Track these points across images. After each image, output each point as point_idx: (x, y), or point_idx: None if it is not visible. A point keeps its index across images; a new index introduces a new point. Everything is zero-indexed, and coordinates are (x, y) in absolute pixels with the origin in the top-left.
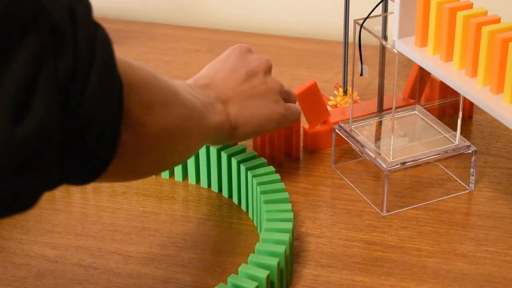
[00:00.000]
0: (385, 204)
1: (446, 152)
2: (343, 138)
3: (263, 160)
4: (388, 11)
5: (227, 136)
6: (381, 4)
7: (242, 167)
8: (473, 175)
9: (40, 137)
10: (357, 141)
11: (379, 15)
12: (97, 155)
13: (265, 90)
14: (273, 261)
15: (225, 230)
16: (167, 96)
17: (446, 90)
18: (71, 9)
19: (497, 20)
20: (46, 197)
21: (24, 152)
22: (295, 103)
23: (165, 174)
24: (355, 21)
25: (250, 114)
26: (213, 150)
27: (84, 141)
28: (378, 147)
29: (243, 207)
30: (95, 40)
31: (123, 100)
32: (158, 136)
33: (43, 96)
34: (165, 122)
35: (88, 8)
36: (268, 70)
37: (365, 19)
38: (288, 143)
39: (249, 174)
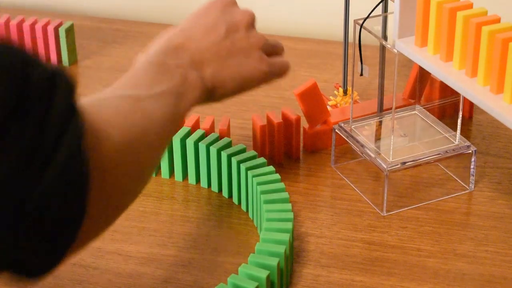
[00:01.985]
0: (385, 204)
1: (446, 152)
2: (343, 138)
3: (263, 160)
4: (388, 11)
5: (205, 100)
6: (381, 4)
7: (242, 167)
8: (473, 175)
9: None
10: (357, 141)
11: (379, 15)
12: (60, 234)
13: (246, 47)
14: (273, 261)
15: (225, 230)
16: (139, 143)
17: (446, 90)
18: (51, 89)
19: (497, 20)
20: None
21: None
22: (282, 53)
23: (165, 174)
24: (355, 21)
25: (229, 74)
26: (213, 150)
27: (47, 221)
28: (378, 147)
29: (243, 207)
30: (67, 124)
31: (86, 197)
32: (131, 178)
33: (4, 167)
34: (137, 167)
35: (69, 91)
36: (251, 24)
37: (365, 19)
38: (288, 143)
39: (249, 174)
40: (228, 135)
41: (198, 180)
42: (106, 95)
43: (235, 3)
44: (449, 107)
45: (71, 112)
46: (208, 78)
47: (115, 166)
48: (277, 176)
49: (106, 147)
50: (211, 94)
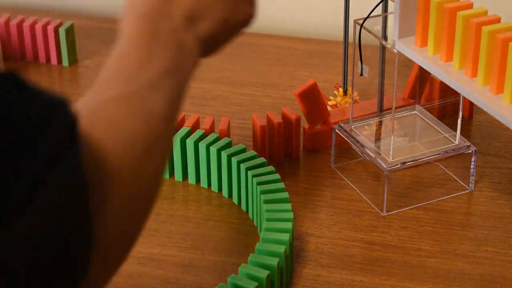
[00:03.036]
0: (385, 204)
1: (446, 152)
2: (343, 138)
3: (263, 160)
4: (388, 11)
5: (199, 59)
6: (381, 4)
7: (242, 167)
8: (473, 175)
9: None
10: (357, 141)
11: (379, 15)
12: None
13: None
14: (273, 261)
15: (225, 230)
16: (145, 149)
17: (446, 90)
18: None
19: (497, 20)
20: None
21: None
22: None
23: (165, 174)
24: (355, 21)
25: (221, 29)
26: (213, 150)
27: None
28: (378, 147)
29: (243, 207)
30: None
31: (89, 255)
32: (143, 188)
33: None
34: (147, 171)
35: (70, 125)
36: None
37: (365, 19)
38: (288, 143)
39: (249, 174)
40: (228, 135)
41: (198, 180)
42: (96, 101)
43: None
44: (449, 107)
45: (69, 136)
46: (204, 34)
47: (121, 182)
48: (277, 176)
49: (110, 167)
50: (206, 51)
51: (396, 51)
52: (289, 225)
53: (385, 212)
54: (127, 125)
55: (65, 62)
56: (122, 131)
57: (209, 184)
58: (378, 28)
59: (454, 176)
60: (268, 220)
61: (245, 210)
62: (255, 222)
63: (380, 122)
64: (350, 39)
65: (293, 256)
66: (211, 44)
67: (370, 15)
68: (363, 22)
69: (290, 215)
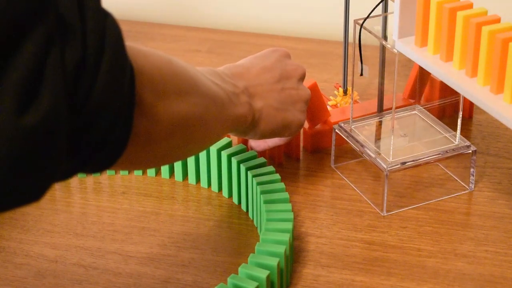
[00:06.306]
0: (385, 204)
1: (446, 152)
2: (343, 138)
3: (263, 160)
4: (388, 11)
5: (248, 128)
6: (381, 4)
7: (242, 167)
8: (473, 175)
9: (46, 128)
10: (357, 141)
11: (379, 15)
12: (110, 143)
13: (294, 96)
14: (273, 261)
15: (225, 230)
16: (183, 84)
17: (446, 90)
18: None
19: (497, 20)
20: (46, 197)
21: (30, 143)
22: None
23: (165, 174)
24: (355, 21)
25: (274, 113)
26: (213, 150)
27: (97, 130)
28: (378, 147)
29: (243, 207)
30: (104, 29)
31: (135, 88)
32: (173, 124)
33: (50, 86)
34: (180, 111)
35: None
36: (301, 78)
37: (365, 19)
38: (288, 143)
39: (249, 174)
40: (228, 135)
41: (198, 180)
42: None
43: (289, 56)
44: (449, 107)
45: (104, 14)
46: (257, 109)
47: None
48: (277, 176)
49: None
50: (254, 125)
51: (396, 51)
52: (289, 225)
53: (385, 212)
54: (176, 71)
55: None
56: (158, 62)
57: (209, 184)
58: (378, 28)
59: (454, 176)
60: (268, 220)
61: (245, 210)
62: (255, 222)
63: (380, 122)
64: (350, 39)
65: (293, 256)
66: (264, 124)
67: (370, 15)
68: (363, 22)
69: (290, 215)
